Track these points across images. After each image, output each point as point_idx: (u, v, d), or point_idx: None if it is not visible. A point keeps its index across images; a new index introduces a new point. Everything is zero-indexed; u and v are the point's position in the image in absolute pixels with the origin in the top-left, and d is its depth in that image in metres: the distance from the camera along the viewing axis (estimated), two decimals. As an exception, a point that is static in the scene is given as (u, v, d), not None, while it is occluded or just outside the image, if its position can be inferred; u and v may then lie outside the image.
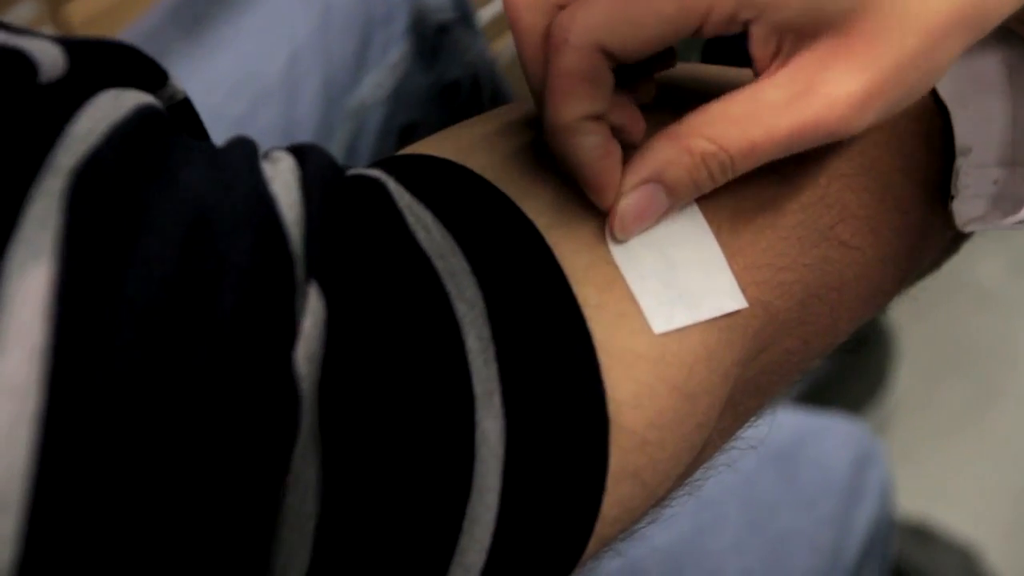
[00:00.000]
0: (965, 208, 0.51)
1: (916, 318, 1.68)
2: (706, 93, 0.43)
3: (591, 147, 0.42)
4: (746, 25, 0.41)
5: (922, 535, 1.44)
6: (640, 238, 0.43)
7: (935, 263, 0.58)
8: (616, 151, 0.43)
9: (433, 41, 0.95)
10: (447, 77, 0.97)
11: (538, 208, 0.42)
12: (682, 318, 0.43)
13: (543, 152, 0.44)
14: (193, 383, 0.31)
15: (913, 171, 0.50)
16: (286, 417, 0.32)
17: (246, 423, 0.31)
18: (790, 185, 0.46)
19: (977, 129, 0.49)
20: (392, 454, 0.35)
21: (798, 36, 0.41)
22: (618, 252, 0.43)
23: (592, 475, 0.40)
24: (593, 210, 0.43)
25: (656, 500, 0.44)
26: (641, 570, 0.83)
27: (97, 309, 0.30)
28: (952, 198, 0.50)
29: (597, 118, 0.42)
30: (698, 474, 0.49)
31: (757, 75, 0.43)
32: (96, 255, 0.31)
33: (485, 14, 1.17)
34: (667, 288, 0.43)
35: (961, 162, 0.50)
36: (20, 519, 0.29)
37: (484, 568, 0.38)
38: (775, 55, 0.42)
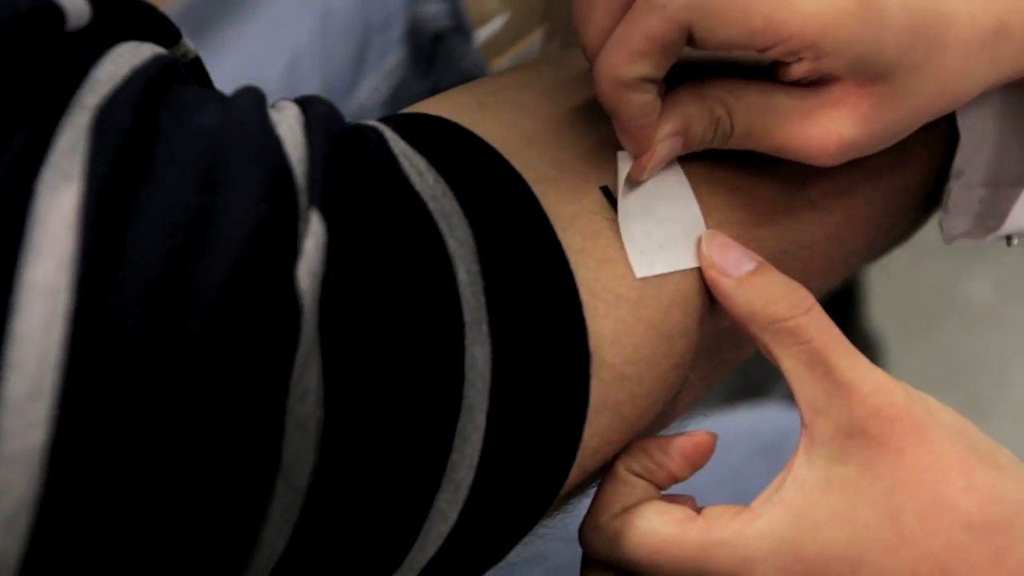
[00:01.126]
0: (953, 224, 0.56)
1: (907, 336, 1.70)
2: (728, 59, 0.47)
3: (642, 104, 0.44)
4: (799, 57, 0.44)
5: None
6: (631, 193, 0.46)
7: (904, 234, 0.61)
8: (658, 107, 0.45)
9: (429, 49, 0.98)
10: (443, 84, 0.99)
11: (526, 162, 0.45)
12: (661, 266, 0.46)
13: (532, 112, 0.47)
14: (206, 292, 0.34)
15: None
16: (288, 324, 0.35)
17: (252, 327, 0.34)
18: None
19: (971, 153, 0.54)
20: (388, 369, 0.38)
21: (831, 69, 0.45)
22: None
23: (574, 403, 0.43)
24: (578, 165, 0.46)
25: (635, 436, 0.47)
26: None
27: (120, 223, 0.33)
28: (944, 214, 0.55)
29: (654, 80, 0.44)
30: (675, 424, 0.52)
31: (775, 72, 0.46)
32: (119, 177, 0.34)
33: (483, 34, 1.20)
34: (648, 238, 0.46)
35: (952, 184, 0.55)
36: (52, 405, 0.32)
37: (472, 485, 0.40)
38: (799, 67, 0.45)
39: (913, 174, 0.54)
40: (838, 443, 0.44)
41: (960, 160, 0.54)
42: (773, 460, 0.95)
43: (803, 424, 0.45)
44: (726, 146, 0.47)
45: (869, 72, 0.45)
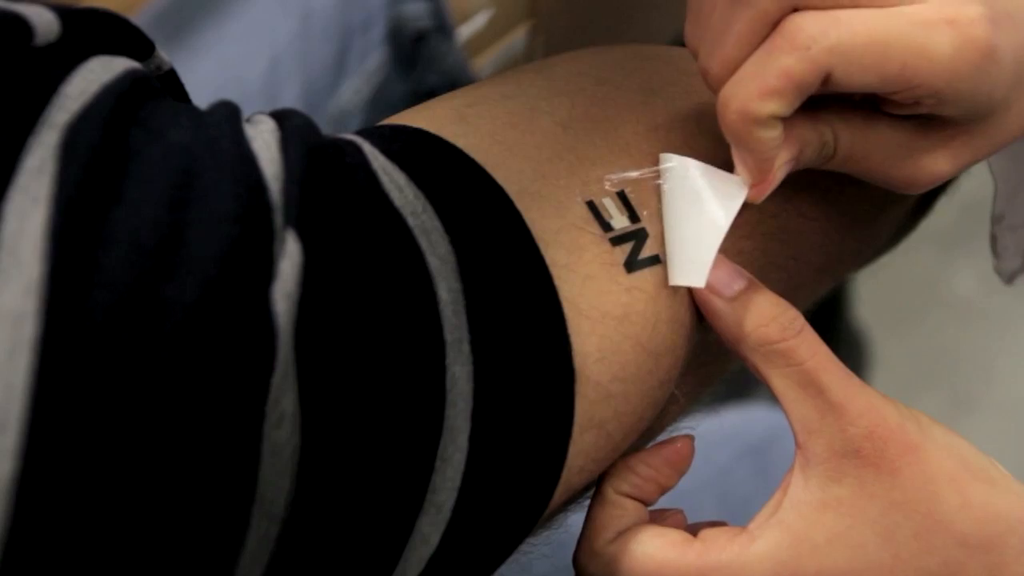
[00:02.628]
0: (1007, 265, 0.57)
1: (893, 330, 1.70)
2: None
3: (770, 139, 0.43)
4: (917, 100, 0.44)
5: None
6: (691, 205, 0.46)
7: (892, 241, 0.60)
8: (782, 140, 0.44)
9: (411, 49, 0.97)
10: (424, 84, 0.99)
11: (508, 176, 0.44)
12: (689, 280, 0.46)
13: (515, 124, 0.47)
14: (176, 315, 0.33)
15: None
16: (263, 347, 0.34)
17: (226, 351, 0.33)
18: None
19: (1009, 198, 0.55)
20: (367, 392, 0.37)
21: (942, 115, 0.45)
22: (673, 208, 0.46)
23: (558, 422, 0.42)
24: (562, 179, 0.45)
25: (620, 453, 0.46)
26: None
27: (89, 247, 0.32)
28: (996, 258, 0.57)
29: (783, 117, 0.44)
30: (663, 436, 0.51)
31: (881, 103, 0.45)
32: (88, 199, 0.33)
33: (465, 31, 1.19)
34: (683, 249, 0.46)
35: (996, 228, 0.56)
36: (19, 436, 0.31)
37: (455, 507, 0.40)
38: (912, 107, 0.45)
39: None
40: (833, 463, 0.44)
41: (1000, 204, 0.55)
42: (759, 460, 0.95)
43: (797, 444, 0.45)
44: (827, 167, 0.47)
45: (976, 117, 0.45)
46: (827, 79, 0.42)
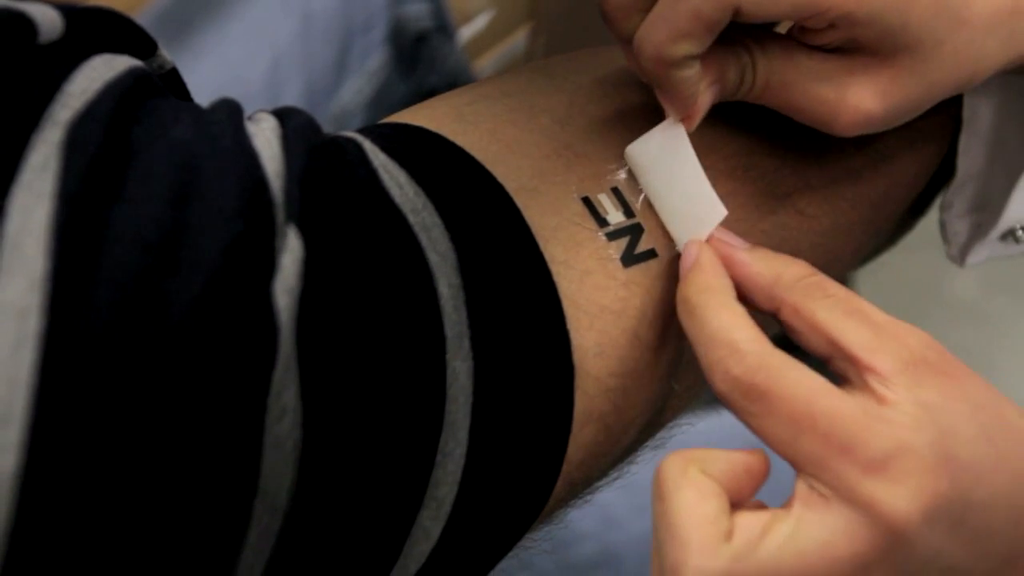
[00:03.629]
0: (956, 250, 0.58)
1: (892, 331, 1.69)
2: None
3: (687, 78, 0.44)
4: (831, 25, 0.44)
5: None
6: (653, 174, 0.47)
7: (890, 239, 0.61)
8: (700, 75, 0.45)
9: (412, 49, 0.98)
10: (425, 85, 0.99)
11: (508, 173, 0.45)
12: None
13: (514, 121, 0.47)
14: (178, 309, 0.33)
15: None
16: (264, 341, 0.34)
17: (227, 345, 0.33)
18: (750, 154, 0.49)
19: (960, 187, 0.55)
20: (368, 387, 0.37)
21: (858, 38, 0.45)
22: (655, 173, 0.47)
23: (558, 416, 0.42)
24: (560, 176, 0.46)
25: (620, 448, 0.46)
26: (617, 556, 0.85)
27: (93, 242, 0.33)
28: (946, 245, 0.58)
29: (698, 56, 0.44)
30: (662, 433, 0.52)
31: (799, 35, 0.46)
32: (91, 195, 0.33)
33: (467, 31, 1.20)
34: (673, 214, 0.46)
35: (945, 216, 0.56)
36: (23, 430, 0.31)
37: (455, 501, 0.40)
38: (827, 34, 0.45)
39: (899, 178, 0.54)
40: (908, 372, 0.41)
41: (950, 193, 0.55)
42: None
43: (862, 368, 0.41)
44: (748, 99, 0.47)
45: (893, 44, 0.44)
46: (737, 11, 0.42)
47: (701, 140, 0.48)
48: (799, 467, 0.39)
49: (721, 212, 0.45)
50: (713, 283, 0.43)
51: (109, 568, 0.33)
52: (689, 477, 0.39)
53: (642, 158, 0.47)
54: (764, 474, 0.40)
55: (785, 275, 0.43)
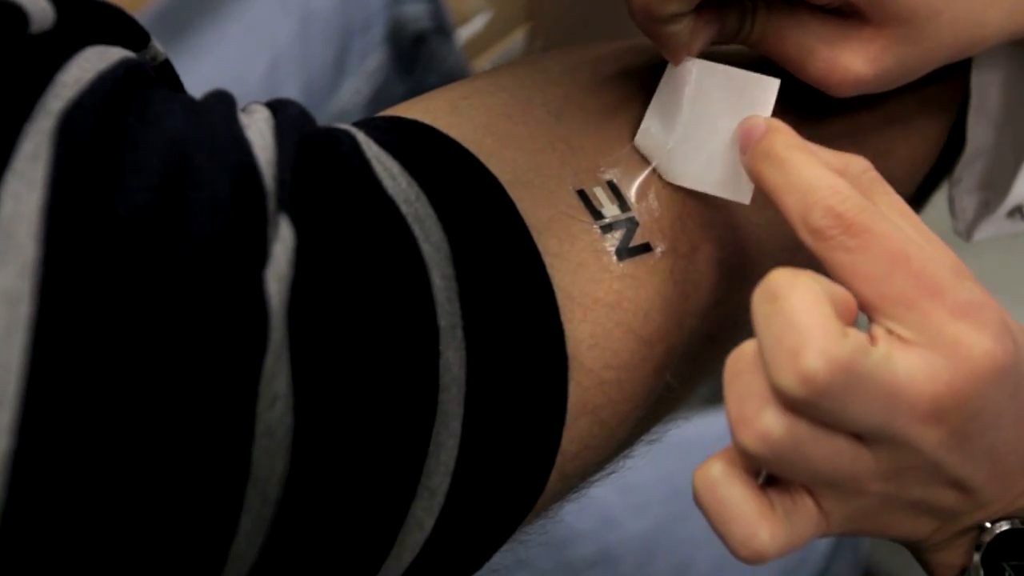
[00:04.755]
0: (963, 225, 0.58)
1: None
2: None
3: (677, 32, 0.46)
4: None
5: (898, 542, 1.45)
6: (697, 94, 0.47)
7: None
8: (692, 27, 0.46)
9: (410, 50, 0.98)
10: (424, 86, 0.99)
11: (502, 165, 0.45)
12: (687, 182, 0.47)
13: (509, 114, 0.47)
14: (169, 296, 0.33)
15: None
16: (256, 328, 0.34)
17: (218, 332, 0.33)
18: None
19: (969, 162, 0.56)
20: (360, 375, 0.37)
21: (855, 3, 0.45)
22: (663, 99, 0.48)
23: (552, 408, 0.42)
24: (554, 168, 0.46)
25: (615, 441, 0.46)
26: (615, 556, 0.85)
27: (84, 230, 0.33)
28: (953, 219, 0.58)
29: (687, 11, 0.45)
30: (657, 427, 0.52)
31: None
32: (83, 183, 0.33)
33: (465, 32, 1.20)
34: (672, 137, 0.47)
35: (954, 191, 0.56)
36: (15, 414, 0.31)
37: (448, 492, 0.40)
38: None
39: (902, 163, 0.54)
40: None
41: (959, 168, 0.56)
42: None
43: None
44: (746, 44, 0.48)
45: (888, 12, 0.45)
46: None
47: None
48: (883, 306, 0.40)
49: (773, 81, 0.46)
50: (797, 141, 0.43)
51: (100, 552, 0.33)
52: (804, 280, 0.38)
53: (668, 103, 0.47)
54: (854, 314, 0.40)
55: (852, 165, 0.44)
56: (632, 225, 0.46)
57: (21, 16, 0.36)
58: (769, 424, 0.38)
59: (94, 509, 0.33)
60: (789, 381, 0.37)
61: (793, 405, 0.37)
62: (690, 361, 0.50)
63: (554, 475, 0.43)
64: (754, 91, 0.47)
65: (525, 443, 0.42)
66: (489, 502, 0.42)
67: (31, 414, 0.31)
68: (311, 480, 0.36)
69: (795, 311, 0.37)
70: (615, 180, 0.46)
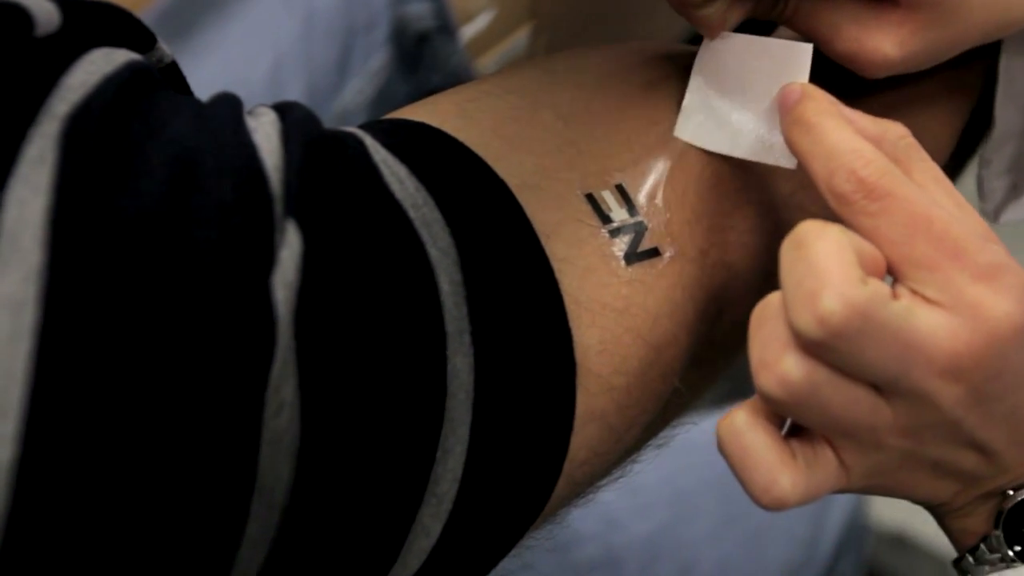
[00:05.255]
0: (992, 206, 0.58)
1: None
2: None
3: (711, 13, 0.46)
4: None
5: (901, 543, 1.45)
6: (736, 66, 0.48)
7: None
8: (727, 7, 0.47)
9: (414, 49, 0.97)
10: (427, 85, 0.99)
11: (509, 169, 0.44)
12: (705, 141, 0.48)
13: (516, 118, 0.47)
14: (175, 303, 0.33)
15: None
16: (263, 335, 0.34)
17: (225, 338, 0.33)
18: None
19: (999, 145, 0.56)
20: (367, 382, 0.37)
21: None
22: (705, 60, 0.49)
23: (559, 414, 0.42)
24: (562, 172, 0.46)
25: (623, 446, 0.46)
26: (619, 559, 0.85)
27: (88, 235, 0.32)
28: (982, 201, 0.58)
29: None
30: (665, 431, 0.51)
31: None
32: (88, 188, 0.33)
33: (468, 31, 1.20)
34: (717, 111, 0.48)
35: (984, 172, 0.57)
36: (19, 422, 0.31)
37: (456, 498, 0.40)
38: None
39: (926, 144, 0.54)
40: None
41: (990, 150, 0.56)
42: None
43: None
44: (779, 21, 0.49)
45: (926, 2, 0.46)
46: None
47: None
48: (906, 269, 0.40)
49: (807, 47, 0.47)
50: (830, 107, 0.44)
51: (105, 560, 0.33)
52: (831, 230, 0.39)
53: (707, 77, 0.48)
54: (882, 269, 0.41)
55: (889, 132, 0.44)
56: (641, 229, 0.46)
57: (26, 19, 0.35)
58: (789, 368, 0.39)
59: (99, 517, 0.32)
60: (807, 322, 0.38)
61: (811, 347, 0.38)
62: (698, 366, 0.49)
63: (562, 481, 0.43)
64: (789, 58, 0.47)
65: (533, 449, 0.42)
66: (496, 509, 0.42)
67: (36, 422, 0.31)
68: (317, 488, 0.36)
69: (818, 257, 0.39)
70: (623, 184, 0.46)
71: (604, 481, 0.50)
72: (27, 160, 0.33)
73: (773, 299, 0.40)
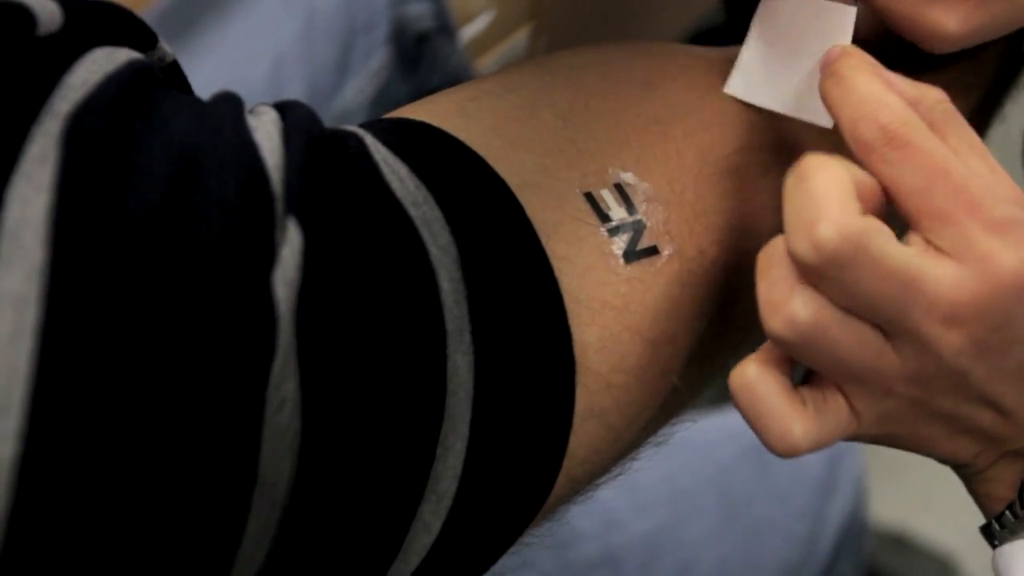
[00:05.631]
0: None
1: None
2: None
3: None
4: None
5: (901, 542, 1.45)
6: (788, 26, 0.49)
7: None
8: None
9: (414, 49, 0.98)
10: (427, 85, 0.99)
11: (510, 168, 0.44)
12: (756, 98, 0.49)
13: (516, 117, 0.47)
14: (176, 301, 0.33)
15: None
16: (264, 333, 0.34)
17: (226, 335, 0.33)
18: (754, 153, 0.49)
19: None
20: (368, 379, 0.37)
21: None
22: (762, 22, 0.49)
23: (559, 412, 0.42)
24: (562, 171, 0.46)
25: (623, 444, 0.46)
26: (619, 558, 0.85)
27: (91, 234, 0.33)
28: None
29: None
30: (664, 429, 0.52)
31: None
32: (90, 187, 0.33)
33: (468, 31, 1.20)
34: (762, 71, 0.49)
35: None
36: (22, 419, 0.31)
37: (456, 495, 0.40)
38: None
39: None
40: None
41: None
42: (761, 460, 0.95)
43: None
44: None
45: None
46: None
47: (704, 137, 0.48)
48: (922, 219, 0.41)
49: (851, 9, 0.47)
50: (864, 64, 0.45)
51: (106, 556, 0.33)
52: (832, 163, 0.41)
53: (759, 37, 0.49)
54: (878, 200, 0.42)
55: (927, 96, 0.44)
56: (639, 228, 0.46)
57: (28, 18, 0.36)
58: (796, 308, 0.40)
59: (100, 514, 0.32)
60: (804, 248, 0.40)
61: (810, 276, 0.40)
62: (697, 364, 0.49)
63: (561, 479, 0.43)
64: (834, 20, 0.48)
65: (532, 447, 0.42)
66: (496, 506, 0.42)
67: (38, 419, 0.31)
68: (318, 484, 0.36)
69: (817, 189, 0.40)
70: (622, 183, 0.46)
71: (603, 479, 0.50)
72: (29, 158, 0.33)
73: (780, 242, 0.41)
